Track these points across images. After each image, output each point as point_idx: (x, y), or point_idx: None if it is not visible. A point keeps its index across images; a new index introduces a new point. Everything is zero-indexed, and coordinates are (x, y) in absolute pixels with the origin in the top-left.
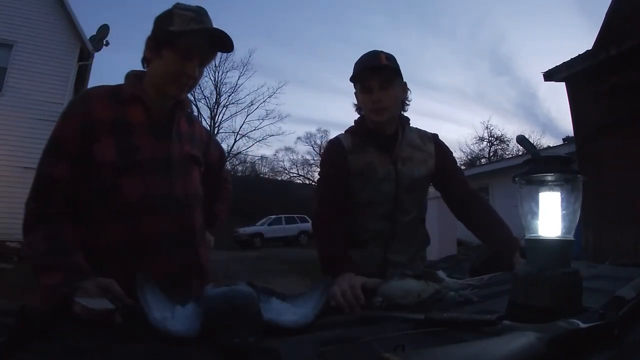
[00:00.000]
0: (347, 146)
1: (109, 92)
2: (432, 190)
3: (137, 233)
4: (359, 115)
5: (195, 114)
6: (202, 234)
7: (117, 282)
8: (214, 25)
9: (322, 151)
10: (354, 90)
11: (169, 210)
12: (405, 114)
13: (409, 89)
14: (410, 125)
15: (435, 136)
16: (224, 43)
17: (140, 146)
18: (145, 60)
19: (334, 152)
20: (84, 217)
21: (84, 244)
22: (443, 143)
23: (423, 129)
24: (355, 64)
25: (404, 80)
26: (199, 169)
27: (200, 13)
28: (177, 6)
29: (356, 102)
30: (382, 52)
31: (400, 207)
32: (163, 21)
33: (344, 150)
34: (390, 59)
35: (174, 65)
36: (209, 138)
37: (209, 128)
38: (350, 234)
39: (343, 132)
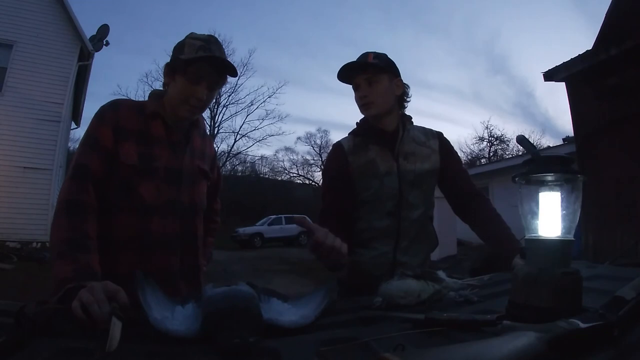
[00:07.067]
0: (347, 147)
1: (135, 105)
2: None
3: (146, 230)
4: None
5: None
6: (202, 241)
7: (123, 269)
8: (223, 45)
9: (321, 151)
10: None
11: (175, 214)
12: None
13: (406, 85)
14: (414, 124)
15: (439, 134)
16: (228, 69)
17: (158, 156)
18: (164, 85)
19: (333, 157)
20: (104, 208)
21: (100, 232)
22: (448, 141)
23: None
24: None
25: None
26: (206, 182)
27: (208, 41)
28: (189, 35)
29: None
30: (371, 52)
31: (405, 203)
32: (177, 50)
33: (344, 153)
34: (379, 57)
35: (184, 89)
36: (215, 159)
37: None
38: (356, 233)
39: (347, 135)
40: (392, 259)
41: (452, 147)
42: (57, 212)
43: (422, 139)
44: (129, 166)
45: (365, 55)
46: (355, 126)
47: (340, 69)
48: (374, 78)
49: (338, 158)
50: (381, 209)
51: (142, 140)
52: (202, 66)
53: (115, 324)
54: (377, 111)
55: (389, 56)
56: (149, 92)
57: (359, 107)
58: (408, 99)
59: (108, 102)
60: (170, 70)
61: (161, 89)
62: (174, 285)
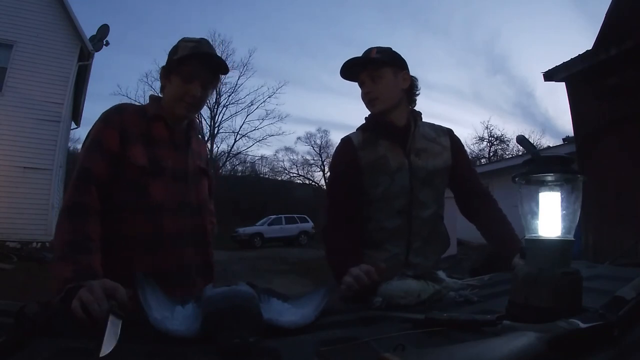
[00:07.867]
0: (357, 143)
1: (137, 110)
2: None
3: (157, 229)
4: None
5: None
6: (210, 237)
7: (133, 268)
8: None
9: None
10: None
11: (184, 212)
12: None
13: (414, 78)
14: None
15: (450, 131)
16: (220, 66)
17: (164, 157)
18: (161, 88)
19: (343, 150)
20: (115, 209)
21: (111, 232)
22: (458, 139)
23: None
24: None
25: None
26: (207, 180)
27: (200, 43)
28: (183, 39)
29: None
30: (375, 47)
31: (416, 201)
32: (171, 53)
33: (353, 147)
34: (382, 51)
35: (179, 88)
36: (208, 160)
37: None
38: (365, 233)
39: (355, 130)
40: (404, 261)
41: (462, 145)
42: (60, 215)
43: (433, 135)
44: (139, 167)
45: (369, 50)
46: (364, 121)
47: (342, 65)
48: (376, 73)
49: (348, 152)
50: (390, 207)
51: (147, 142)
52: (195, 65)
53: (113, 322)
54: (383, 107)
55: (394, 50)
56: (149, 94)
57: (365, 103)
58: (417, 92)
59: (112, 107)
60: (166, 71)
61: (160, 94)
62: (191, 283)
